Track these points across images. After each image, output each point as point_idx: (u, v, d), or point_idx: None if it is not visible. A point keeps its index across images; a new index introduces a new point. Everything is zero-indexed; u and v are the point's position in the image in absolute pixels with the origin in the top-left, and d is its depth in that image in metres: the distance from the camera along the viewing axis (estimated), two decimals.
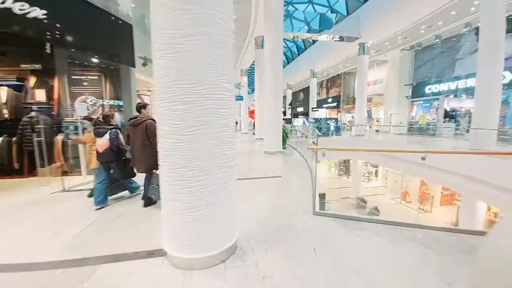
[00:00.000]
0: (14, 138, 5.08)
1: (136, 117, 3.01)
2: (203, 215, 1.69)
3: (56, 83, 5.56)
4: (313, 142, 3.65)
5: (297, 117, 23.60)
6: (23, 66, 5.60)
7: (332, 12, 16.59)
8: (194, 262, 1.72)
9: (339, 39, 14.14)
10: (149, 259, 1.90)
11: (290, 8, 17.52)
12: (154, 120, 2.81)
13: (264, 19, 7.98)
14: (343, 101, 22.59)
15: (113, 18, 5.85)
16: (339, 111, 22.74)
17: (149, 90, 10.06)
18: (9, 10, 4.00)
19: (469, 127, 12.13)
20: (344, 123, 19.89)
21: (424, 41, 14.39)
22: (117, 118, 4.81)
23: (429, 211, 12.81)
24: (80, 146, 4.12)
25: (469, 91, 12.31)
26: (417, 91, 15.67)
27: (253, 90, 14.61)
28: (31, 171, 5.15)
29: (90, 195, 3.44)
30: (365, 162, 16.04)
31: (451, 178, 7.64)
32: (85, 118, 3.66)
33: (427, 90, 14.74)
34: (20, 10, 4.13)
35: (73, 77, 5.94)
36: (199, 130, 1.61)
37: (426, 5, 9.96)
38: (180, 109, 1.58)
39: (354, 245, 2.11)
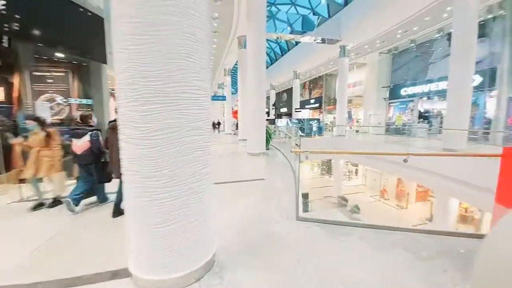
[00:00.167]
0: None
1: (115, 120, 2.75)
2: (174, 230, 1.49)
3: (16, 80, 4.99)
4: (296, 144, 3.55)
5: (281, 118, 23.73)
6: None
7: (314, 14, 16.86)
8: (164, 283, 1.52)
9: (321, 41, 14.37)
10: (113, 281, 1.66)
11: (273, 9, 17.56)
12: None
13: (247, 18, 7.83)
14: (325, 102, 23.09)
15: (81, 10, 5.38)
16: (321, 112, 23.22)
17: None
18: None
19: (441, 127, 12.90)
20: (326, 124, 20.31)
21: (400, 45, 15.07)
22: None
23: (405, 208, 13.43)
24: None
25: (441, 94, 13.08)
26: (393, 93, 16.39)
27: (236, 90, 14.41)
28: None
29: (35, 207, 3.10)
30: (346, 162, 16.46)
31: (426, 176, 8.02)
32: (29, 118, 3.15)
33: (403, 92, 15.46)
34: None
35: (36, 73, 5.39)
36: (168, 134, 1.42)
37: (403, 10, 10.40)
38: (145, 110, 1.38)
39: (339, 253, 2.02)
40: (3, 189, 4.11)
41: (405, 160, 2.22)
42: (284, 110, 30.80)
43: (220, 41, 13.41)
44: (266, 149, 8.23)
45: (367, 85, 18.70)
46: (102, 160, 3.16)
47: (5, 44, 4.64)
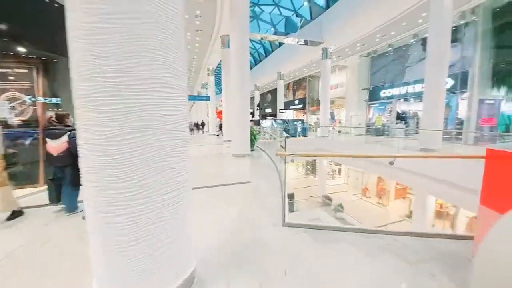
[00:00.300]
0: None
1: None
2: (144, 248, 1.30)
3: None
4: (281, 146, 3.44)
5: (265, 118, 23.74)
6: None
7: (297, 16, 17.04)
8: None
9: (303, 43, 14.53)
10: None
11: (257, 9, 17.52)
12: None
13: (230, 17, 7.66)
14: (308, 103, 23.44)
15: (47, 1, 4.90)
16: (305, 113, 23.53)
17: None
18: None
19: (417, 128, 13.54)
20: (310, 124, 20.60)
21: (379, 49, 15.65)
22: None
23: (386, 205, 13.93)
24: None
25: (416, 96, 13.74)
26: (373, 95, 16.99)
27: (221, 91, 14.15)
28: None
29: None
30: (329, 161, 16.73)
31: (405, 175, 8.34)
32: None
33: (382, 94, 16.06)
34: None
35: None
36: (134, 138, 1.22)
37: (381, 15, 10.78)
38: (105, 110, 1.17)
39: (328, 260, 1.92)
40: None
41: (391, 163, 2.18)
42: (268, 110, 30.87)
43: (203, 40, 13.09)
44: (251, 150, 8.10)
45: (348, 87, 19.24)
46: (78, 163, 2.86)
47: None
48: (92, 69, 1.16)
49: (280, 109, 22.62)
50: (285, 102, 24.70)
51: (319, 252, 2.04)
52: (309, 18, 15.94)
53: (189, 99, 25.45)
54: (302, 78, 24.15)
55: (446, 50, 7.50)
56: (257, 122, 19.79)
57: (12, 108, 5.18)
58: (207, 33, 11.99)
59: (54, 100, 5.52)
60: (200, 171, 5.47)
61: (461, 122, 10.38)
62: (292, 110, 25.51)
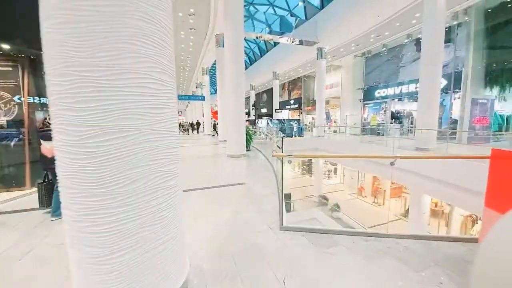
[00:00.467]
0: None
1: None
2: (129, 260, 1.17)
3: None
4: (277, 146, 3.34)
5: (261, 118, 23.66)
6: None
7: (291, 15, 17.01)
8: None
9: (298, 43, 14.50)
10: None
11: (252, 9, 17.41)
12: None
13: (224, 15, 7.53)
14: (303, 103, 23.45)
15: None
16: (301, 113, 23.54)
17: None
18: None
19: (411, 127, 13.65)
20: (305, 124, 20.61)
21: (373, 49, 15.73)
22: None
23: (382, 204, 14.00)
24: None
25: (410, 95, 13.85)
26: (368, 94, 17.08)
27: (216, 91, 14.00)
28: None
29: None
30: (325, 161, 16.79)
31: (400, 174, 8.34)
32: None
33: (376, 94, 16.16)
34: None
35: None
36: (116, 139, 1.10)
37: (375, 15, 10.81)
38: (83, 108, 1.05)
39: (328, 266, 1.82)
40: None
41: (392, 163, 2.10)
42: (264, 110, 30.80)
43: (197, 39, 12.91)
44: (247, 151, 7.99)
45: (343, 87, 19.32)
46: None
47: None
48: (67, 62, 1.03)
49: (275, 109, 22.58)
50: (280, 102, 24.66)
51: (318, 257, 1.94)
52: (304, 18, 15.92)
53: (184, 99, 25.23)
54: (298, 78, 24.16)
55: (439, 50, 7.54)
56: (252, 122, 19.69)
57: None
58: (201, 32, 11.82)
59: (43, 100, 5.30)
60: (194, 172, 5.34)
61: (454, 122, 10.49)
62: (287, 110, 25.51)
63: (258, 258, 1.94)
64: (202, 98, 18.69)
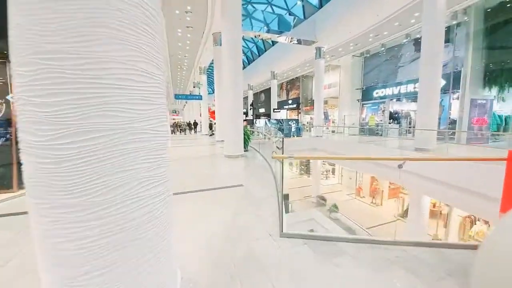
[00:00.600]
0: None
1: None
2: (108, 282, 1.01)
3: None
4: (277, 147, 3.19)
5: (259, 118, 23.52)
6: None
7: (290, 14, 16.88)
8: None
9: (297, 42, 14.38)
10: None
11: (250, 7, 17.25)
12: None
13: (222, 12, 7.37)
14: (302, 103, 23.36)
15: None
16: (299, 112, 23.45)
17: None
18: None
19: (410, 127, 13.61)
20: (303, 124, 20.51)
21: (372, 49, 15.67)
22: None
23: (380, 205, 13.94)
24: None
25: (409, 95, 13.81)
26: (366, 94, 17.02)
27: (214, 90, 13.82)
28: None
29: None
30: (323, 161, 16.72)
31: (397, 174, 8.24)
32: None
33: (375, 94, 16.10)
34: None
35: None
36: (92, 141, 0.93)
37: (375, 14, 10.71)
38: (52, 103, 0.88)
39: (333, 279, 1.67)
40: None
41: (400, 166, 1.96)
42: (262, 110, 30.67)
43: (195, 37, 12.72)
44: (245, 151, 7.83)
45: (342, 87, 19.24)
46: None
47: None
48: (33, 48, 0.87)
49: (274, 109, 22.45)
50: (278, 102, 24.55)
51: (322, 268, 1.79)
52: (302, 17, 15.79)
53: (181, 98, 24.99)
54: (296, 77, 24.06)
55: (439, 50, 7.46)
56: (250, 122, 19.54)
57: None
58: (198, 30, 11.63)
59: None
60: (190, 173, 5.17)
61: (453, 122, 10.44)
62: (285, 110, 25.40)
63: (256, 269, 1.78)
64: (200, 97, 18.49)
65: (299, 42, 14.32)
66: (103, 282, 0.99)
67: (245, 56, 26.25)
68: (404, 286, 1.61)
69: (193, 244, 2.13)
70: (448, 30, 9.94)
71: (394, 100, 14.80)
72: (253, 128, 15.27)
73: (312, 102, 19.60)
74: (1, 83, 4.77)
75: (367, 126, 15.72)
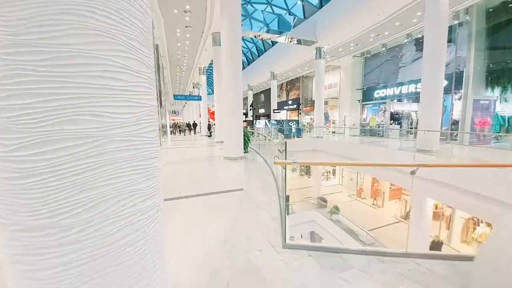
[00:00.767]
0: None
1: None
2: None
3: None
4: (278, 150, 3.04)
5: (259, 119, 23.39)
6: None
7: (290, 14, 16.77)
8: None
9: (297, 42, 14.26)
10: None
11: (249, 7, 17.13)
12: None
13: (221, 12, 7.24)
14: (302, 104, 23.23)
15: None
16: (299, 113, 23.33)
17: None
18: None
19: (411, 128, 13.48)
20: (303, 125, 20.39)
21: (372, 49, 15.56)
22: None
23: (381, 206, 13.81)
24: None
25: (410, 96, 13.69)
26: (367, 95, 16.91)
27: (213, 91, 13.70)
28: None
29: None
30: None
31: (398, 175, 8.10)
32: None
33: (375, 94, 15.98)
34: None
35: None
36: (62, 151, 0.78)
37: (376, 14, 10.59)
38: (12, 107, 0.73)
39: None
40: None
41: (412, 172, 1.82)
42: (262, 111, 30.55)
43: (194, 37, 12.59)
44: (245, 153, 7.69)
45: (342, 87, 19.13)
46: None
47: None
48: None
49: (274, 110, 22.33)
50: (278, 103, 24.42)
51: (329, 285, 1.64)
52: (302, 16, 15.68)
53: (180, 99, 24.86)
54: (296, 78, 23.94)
55: (442, 50, 7.34)
56: (250, 123, 19.41)
57: None
58: (197, 30, 11.50)
59: None
60: (188, 176, 5.01)
61: (455, 123, 10.31)
62: (285, 111, 25.28)
63: (257, 282, 1.63)
64: (199, 98, 18.36)
65: (299, 42, 14.21)
66: None
67: (245, 57, 26.13)
68: None
69: (189, 256, 1.98)
70: (450, 30, 9.83)
71: (395, 100, 14.68)
72: (253, 129, 15.13)
73: (312, 103, 19.49)
74: None
75: (368, 127, 15.60)
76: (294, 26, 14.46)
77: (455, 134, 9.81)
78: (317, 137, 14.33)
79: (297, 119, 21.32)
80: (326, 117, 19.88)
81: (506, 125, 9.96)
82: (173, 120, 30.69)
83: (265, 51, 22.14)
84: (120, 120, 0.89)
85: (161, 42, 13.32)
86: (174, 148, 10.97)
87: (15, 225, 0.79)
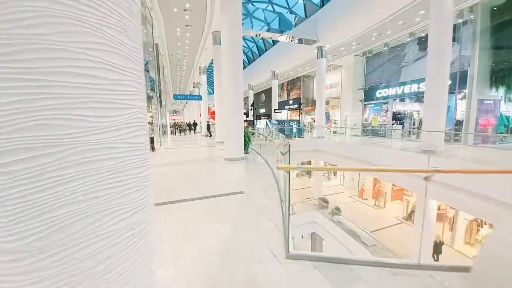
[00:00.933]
0: None
1: None
2: None
3: None
4: (281, 153, 2.91)
5: (260, 119, 23.26)
6: None
7: (291, 13, 16.61)
8: None
9: (298, 42, 14.12)
10: None
11: (250, 6, 17.00)
12: None
13: (221, 10, 7.10)
14: (303, 103, 23.09)
15: None
16: (300, 113, 23.18)
17: None
18: None
19: (413, 128, 13.32)
20: (304, 125, 20.25)
21: (374, 49, 15.39)
22: None
23: (383, 207, 13.66)
24: None
25: (413, 96, 13.53)
26: (369, 95, 16.74)
27: (214, 91, 13.58)
28: None
29: None
30: (325, 162, 16.45)
31: (401, 176, 7.96)
32: None
33: (377, 94, 15.82)
34: None
35: None
36: (27, 162, 0.66)
37: (378, 13, 10.44)
38: None
39: None
40: None
41: (426, 178, 1.69)
42: (262, 111, 30.40)
43: (194, 37, 12.46)
44: (245, 153, 7.56)
45: (343, 87, 18.98)
46: None
47: None
48: None
49: (274, 109, 22.19)
50: (279, 102, 24.28)
51: None
52: (303, 15, 15.52)
53: (181, 98, 24.75)
54: (297, 77, 23.79)
55: (447, 48, 7.19)
56: (251, 123, 19.29)
57: None
58: (198, 29, 11.37)
59: None
60: (187, 179, 4.88)
61: (459, 123, 10.16)
62: (286, 110, 25.14)
63: None
64: (199, 98, 18.24)
65: (300, 41, 14.06)
66: None
67: (246, 56, 25.99)
68: None
69: (184, 269, 1.85)
70: (454, 28, 9.66)
71: (397, 100, 14.52)
72: (254, 129, 15.00)
73: (313, 103, 19.33)
74: None
75: (370, 127, 15.45)
76: (295, 25, 14.31)
77: (454, 134, 9.65)
78: (318, 137, 14.18)
79: (298, 119, 21.17)
80: (327, 117, 19.72)
81: (511, 125, 9.80)
82: (174, 119, 30.60)
83: (266, 51, 21.99)
84: (101, 124, 0.76)
85: (161, 41, 13.20)
86: (173, 148, 10.86)
87: None
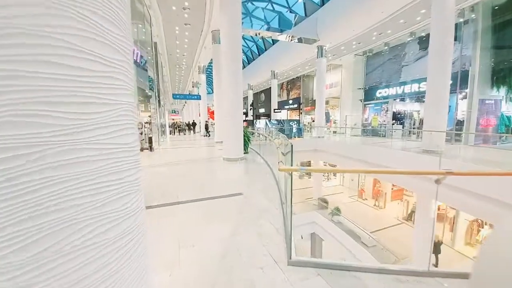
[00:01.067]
0: None
1: None
2: None
3: None
4: (282, 153, 2.82)
5: (259, 118, 23.17)
6: None
7: (291, 12, 16.52)
8: None
9: (298, 41, 14.03)
10: None
11: (250, 6, 16.91)
12: None
13: (220, 9, 7.01)
14: (302, 103, 23.01)
15: None
16: (300, 113, 23.11)
17: None
18: None
19: (414, 128, 13.26)
20: (304, 125, 20.17)
21: (374, 48, 15.32)
22: None
23: (383, 207, 13.60)
24: None
25: (413, 95, 13.47)
26: (369, 94, 16.67)
27: (213, 90, 13.47)
28: None
29: None
30: (324, 162, 16.39)
31: (400, 176, 7.88)
32: None
33: (377, 94, 15.76)
34: None
35: None
36: (1, 164, 0.57)
37: (379, 11, 10.36)
38: None
39: None
40: None
41: (438, 181, 1.60)
42: (262, 110, 30.33)
43: (193, 36, 12.35)
44: (245, 153, 7.47)
45: (343, 87, 18.90)
46: None
47: None
48: None
49: (274, 109, 22.11)
50: (279, 102, 24.21)
51: None
52: (303, 14, 15.43)
53: (179, 98, 24.62)
54: (297, 77, 23.71)
55: (449, 47, 7.12)
56: (250, 123, 19.20)
57: None
58: (197, 27, 11.26)
59: None
60: (184, 180, 4.78)
61: (460, 123, 10.10)
62: (286, 110, 25.07)
63: None
64: (198, 97, 18.13)
65: (300, 40, 13.97)
66: None
67: (245, 56, 25.88)
68: None
69: (179, 275, 1.76)
70: (455, 28, 9.60)
71: (398, 100, 14.45)
72: (253, 129, 14.91)
73: (313, 102, 19.27)
74: None
75: (370, 127, 15.38)
76: (295, 24, 14.24)
77: (454, 134, 9.59)
78: (318, 137, 14.11)
79: (298, 118, 21.10)
80: (327, 116, 19.64)
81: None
82: (173, 119, 30.46)
83: (266, 50, 21.90)
84: (82, 122, 0.67)
85: (160, 40, 13.08)
86: (172, 148, 10.76)
87: None
